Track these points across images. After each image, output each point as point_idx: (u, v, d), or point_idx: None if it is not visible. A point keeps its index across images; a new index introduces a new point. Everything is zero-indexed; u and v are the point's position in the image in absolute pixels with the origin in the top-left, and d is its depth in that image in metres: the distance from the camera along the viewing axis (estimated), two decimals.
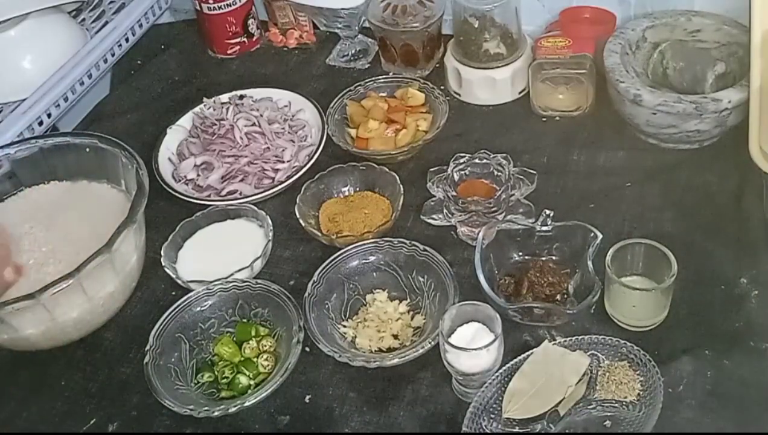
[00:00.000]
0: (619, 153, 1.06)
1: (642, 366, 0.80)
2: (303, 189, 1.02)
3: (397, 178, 1.01)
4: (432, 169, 1.02)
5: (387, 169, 1.03)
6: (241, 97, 1.17)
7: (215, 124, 1.13)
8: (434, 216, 1.00)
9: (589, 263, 0.86)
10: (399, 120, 1.10)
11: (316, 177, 1.04)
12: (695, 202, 0.98)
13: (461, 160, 0.99)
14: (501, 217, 0.94)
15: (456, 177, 0.98)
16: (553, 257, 0.92)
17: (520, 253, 0.93)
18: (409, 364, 0.85)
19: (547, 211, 0.91)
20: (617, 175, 1.03)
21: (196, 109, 1.17)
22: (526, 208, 0.96)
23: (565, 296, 0.88)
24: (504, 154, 1.00)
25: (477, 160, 0.99)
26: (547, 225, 0.90)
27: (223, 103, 1.16)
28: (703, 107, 0.97)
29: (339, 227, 1.00)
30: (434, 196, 1.01)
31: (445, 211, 0.99)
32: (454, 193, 0.96)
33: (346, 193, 1.05)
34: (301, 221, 0.99)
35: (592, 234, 0.87)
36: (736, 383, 0.80)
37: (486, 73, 1.14)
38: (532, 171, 1.00)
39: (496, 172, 0.98)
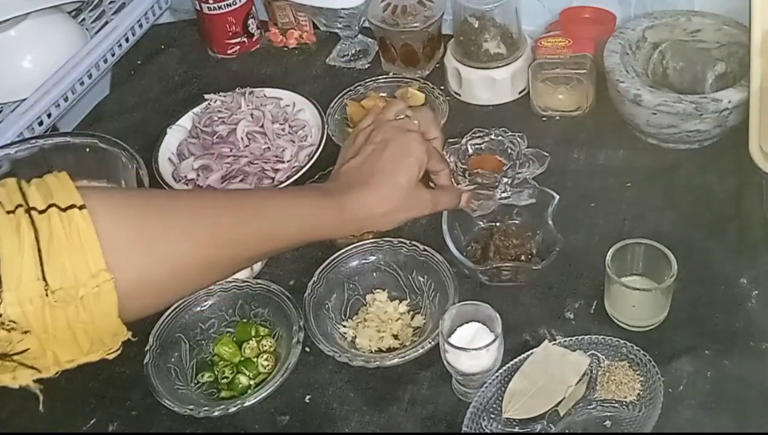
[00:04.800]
0: (619, 153, 1.06)
1: (642, 366, 0.80)
2: None
3: None
4: (450, 140, 1.04)
5: None
6: (251, 92, 1.17)
7: (220, 118, 1.13)
8: None
9: (550, 222, 0.91)
10: None
11: (317, 177, 1.04)
12: (695, 202, 0.98)
13: (478, 134, 1.04)
14: (501, 193, 0.96)
15: (470, 150, 1.03)
16: (516, 221, 0.96)
17: (484, 220, 0.97)
18: (409, 364, 0.85)
19: (505, 179, 0.96)
20: (617, 175, 1.03)
21: (197, 109, 1.17)
22: (531, 188, 0.97)
23: (530, 256, 0.93)
24: (520, 133, 1.03)
25: (493, 136, 1.03)
26: (506, 192, 0.95)
27: (235, 93, 1.17)
28: (703, 107, 0.97)
29: None
30: None
31: (452, 179, 1.01)
32: (463, 165, 1.00)
33: None
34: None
35: (549, 195, 0.92)
36: (736, 383, 0.80)
37: (486, 73, 1.14)
38: (545, 153, 1.01)
39: (509, 150, 1.02)
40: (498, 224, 0.96)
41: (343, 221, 0.77)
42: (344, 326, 0.91)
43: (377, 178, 0.80)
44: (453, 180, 0.92)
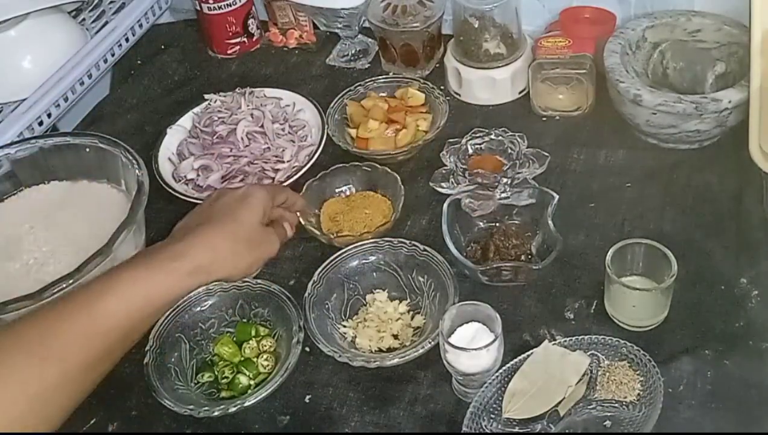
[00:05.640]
0: (619, 153, 1.06)
1: (642, 366, 0.80)
2: (305, 188, 1.02)
3: (399, 178, 1.02)
4: (450, 140, 1.06)
5: (389, 170, 1.03)
6: (251, 92, 1.17)
7: (220, 118, 1.13)
8: (443, 184, 1.03)
9: (549, 223, 0.91)
10: (399, 120, 1.10)
11: (318, 176, 1.04)
12: (695, 202, 0.98)
13: (478, 135, 1.05)
14: (501, 193, 0.97)
15: (470, 150, 1.04)
16: (516, 221, 0.96)
17: (484, 220, 0.97)
18: (409, 364, 0.85)
19: (505, 179, 0.96)
20: (617, 175, 1.03)
21: (197, 109, 1.17)
22: (531, 188, 0.97)
23: (529, 257, 0.93)
24: (520, 133, 1.04)
25: (493, 136, 1.04)
26: (506, 192, 0.95)
27: (235, 93, 1.17)
28: (703, 107, 0.97)
29: (339, 227, 1.00)
30: (446, 166, 1.05)
31: (452, 178, 1.03)
32: (463, 165, 1.02)
33: (348, 193, 1.05)
34: (301, 220, 0.99)
35: (549, 195, 0.92)
36: (736, 383, 0.80)
37: (486, 73, 1.14)
38: (545, 153, 1.01)
39: (509, 150, 1.03)
40: (498, 224, 0.97)
41: (189, 273, 0.70)
42: (344, 326, 0.91)
43: (215, 219, 0.74)
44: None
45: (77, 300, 0.66)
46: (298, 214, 0.96)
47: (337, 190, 1.05)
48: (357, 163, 1.05)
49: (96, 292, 0.66)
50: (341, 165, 1.05)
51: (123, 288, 0.66)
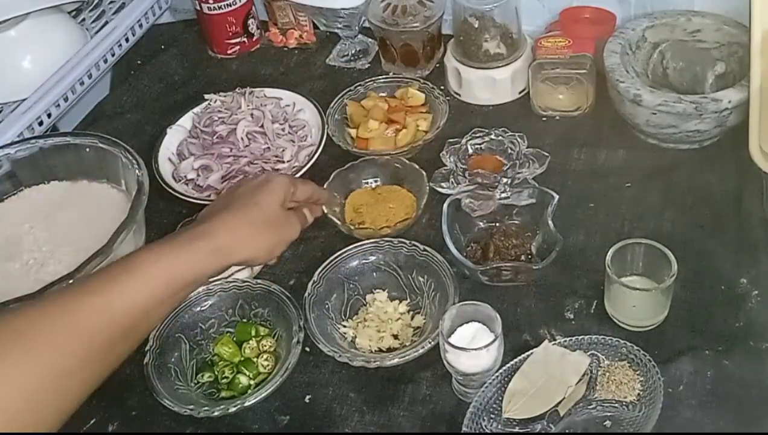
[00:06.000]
0: (619, 153, 1.06)
1: (642, 366, 0.80)
2: (332, 177, 1.02)
3: (425, 175, 1.01)
4: (450, 140, 1.06)
5: (417, 166, 1.03)
6: (251, 92, 1.17)
7: (220, 118, 1.13)
8: (443, 184, 1.03)
9: (549, 222, 0.91)
10: (399, 120, 1.11)
11: (347, 166, 1.04)
12: (695, 202, 0.98)
13: (478, 134, 1.05)
14: (501, 193, 0.97)
15: (470, 150, 1.04)
16: (516, 221, 0.96)
17: (484, 221, 0.97)
18: (409, 364, 0.85)
19: (505, 179, 0.96)
20: (617, 175, 1.03)
21: (197, 109, 1.17)
22: (531, 188, 0.97)
23: (529, 256, 0.93)
24: (520, 133, 1.04)
25: (493, 136, 1.04)
26: (506, 192, 0.95)
27: (235, 93, 1.17)
28: (703, 107, 0.97)
29: (362, 218, 1.00)
30: (446, 166, 1.05)
31: (452, 178, 1.03)
32: (463, 165, 1.02)
33: (374, 185, 1.05)
34: (324, 208, 0.98)
35: (549, 195, 0.92)
36: (736, 383, 0.80)
37: (486, 73, 1.14)
38: (545, 153, 1.02)
39: (509, 150, 1.03)
40: (498, 224, 0.97)
41: (211, 252, 0.71)
42: (344, 326, 0.91)
43: (236, 204, 0.76)
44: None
45: (93, 282, 0.66)
46: (323, 207, 0.96)
47: (363, 182, 1.05)
48: (387, 157, 1.05)
49: (116, 272, 0.67)
50: (369, 157, 1.05)
51: (144, 266, 0.67)
